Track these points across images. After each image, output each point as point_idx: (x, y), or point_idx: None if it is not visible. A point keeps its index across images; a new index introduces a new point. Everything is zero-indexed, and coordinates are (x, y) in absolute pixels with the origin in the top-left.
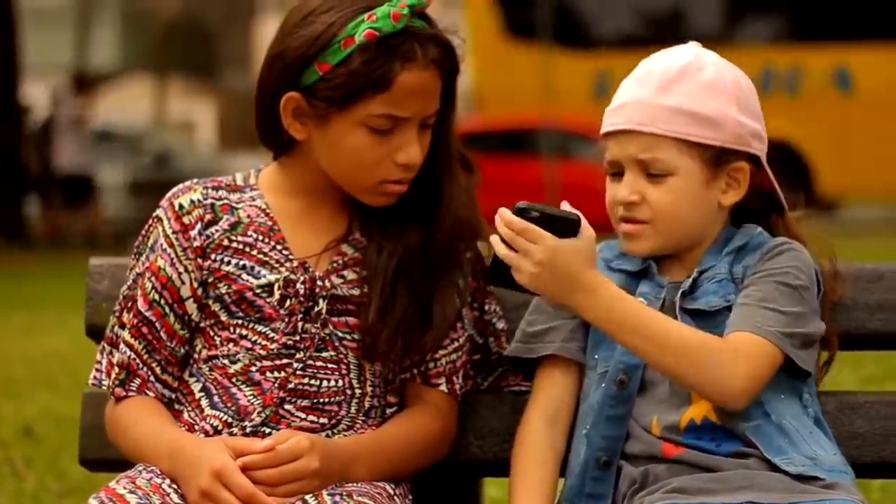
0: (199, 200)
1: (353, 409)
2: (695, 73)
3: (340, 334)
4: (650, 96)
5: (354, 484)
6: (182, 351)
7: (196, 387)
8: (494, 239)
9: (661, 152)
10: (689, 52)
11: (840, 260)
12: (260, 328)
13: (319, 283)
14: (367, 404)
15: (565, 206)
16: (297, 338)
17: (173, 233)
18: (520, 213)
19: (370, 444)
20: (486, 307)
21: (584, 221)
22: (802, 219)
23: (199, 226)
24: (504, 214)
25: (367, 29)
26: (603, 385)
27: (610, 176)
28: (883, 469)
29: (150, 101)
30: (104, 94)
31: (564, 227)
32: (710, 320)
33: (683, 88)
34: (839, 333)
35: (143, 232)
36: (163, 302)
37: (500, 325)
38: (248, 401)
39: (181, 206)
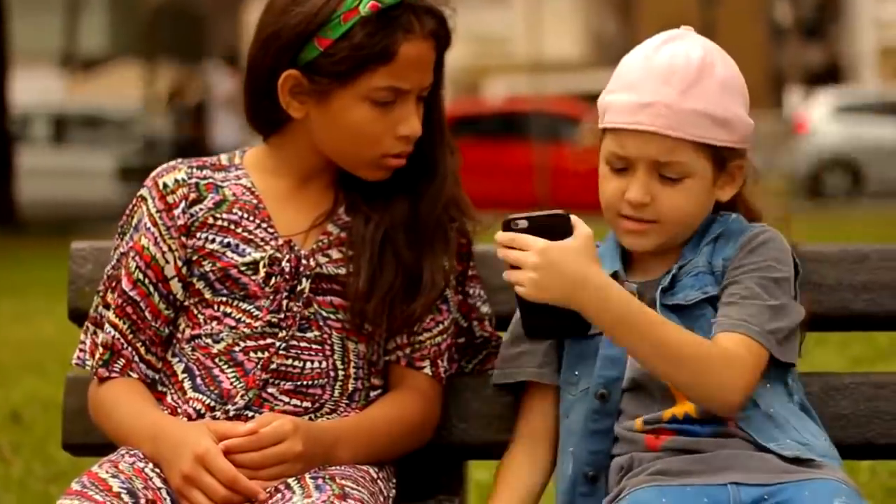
0: (183, 179)
1: (336, 392)
2: (710, 71)
3: (325, 313)
4: (675, 99)
5: (337, 467)
6: (166, 331)
7: (179, 367)
8: (505, 273)
9: (681, 156)
10: (696, 44)
11: (825, 242)
12: (244, 306)
13: (304, 261)
14: (350, 387)
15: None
16: (282, 315)
17: (157, 212)
18: (507, 226)
19: (353, 428)
20: (471, 291)
21: (575, 220)
22: (757, 193)
23: (183, 204)
24: (496, 235)
25: (371, 1)
26: (585, 401)
27: (612, 170)
28: (869, 450)
29: (140, 86)
30: (93, 80)
31: (556, 230)
32: (689, 314)
33: (704, 90)
34: (824, 314)
35: (128, 211)
36: (147, 281)
37: (485, 308)
38: (231, 383)
39: (165, 185)
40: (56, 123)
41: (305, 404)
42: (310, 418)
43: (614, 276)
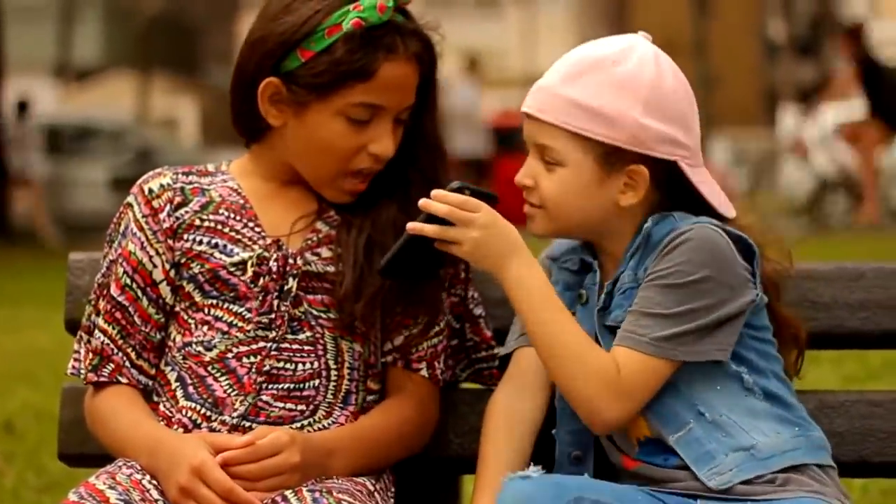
0: (168, 184)
1: (329, 395)
2: (608, 67)
3: (315, 312)
4: (555, 85)
5: (335, 480)
6: (158, 336)
7: (172, 376)
8: (416, 225)
9: (554, 141)
10: (620, 44)
11: (821, 260)
12: (235, 308)
13: (291, 260)
14: (344, 388)
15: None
16: (273, 315)
17: (143, 217)
18: (454, 191)
19: (349, 437)
20: (466, 293)
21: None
22: (756, 225)
23: (168, 208)
24: (438, 193)
25: (355, 18)
26: None
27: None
28: (863, 468)
29: (133, 97)
30: (87, 90)
31: (490, 204)
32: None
33: (589, 82)
34: (819, 332)
35: (115, 219)
36: (135, 286)
37: (478, 310)
38: (225, 391)
39: (151, 191)
40: (49, 133)
41: (300, 407)
42: (307, 422)
43: (584, 269)
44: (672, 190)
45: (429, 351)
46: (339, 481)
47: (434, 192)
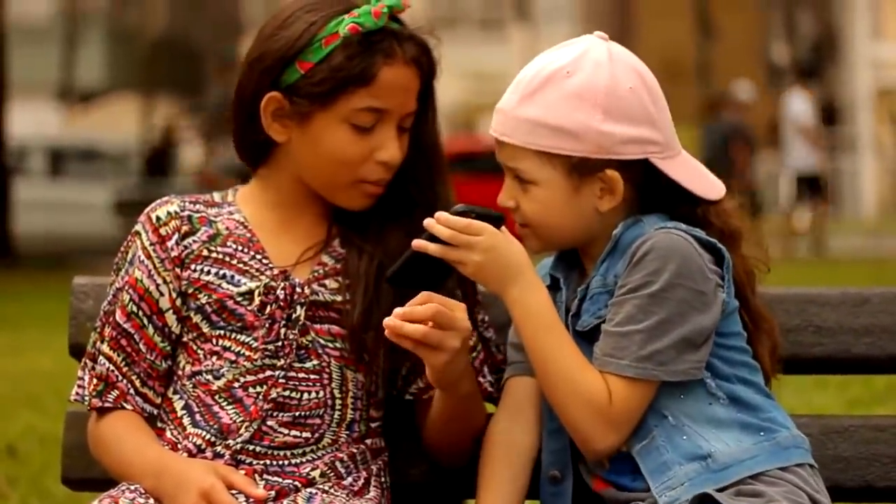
0: (176, 212)
1: (334, 423)
2: (561, 80)
3: (323, 342)
4: (512, 106)
5: (342, 501)
6: (164, 365)
7: (179, 404)
8: (420, 243)
9: (522, 163)
10: (573, 51)
11: (825, 285)
12: (242, 338)
13: (299, 289)
14: (348, 417)
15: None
16: (280, 344)
17: (151, 245)
18: (459, 214)
19: (473, 372)
20: (476, 317)
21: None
22: (737, 210)
23: (176, 236)
24: (442, 216)
25: (351, 24)
26: (544, 399)
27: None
28: (869, 493)
29: (137, 119)
30: (90, 113)
31: (495, 225)
32: (591, 339)
33: (544, 99)
34: (825, 357)
35: (123, 248)
36: (141, 314)
37: (488, 334)
38: (231, 419)
39: (158, 219)
40: (53, 156)
41: (305, 434)
42: (311, 450)
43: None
44: (652, 184)
45: None
46: (347, 502)
47: (438, 215)
